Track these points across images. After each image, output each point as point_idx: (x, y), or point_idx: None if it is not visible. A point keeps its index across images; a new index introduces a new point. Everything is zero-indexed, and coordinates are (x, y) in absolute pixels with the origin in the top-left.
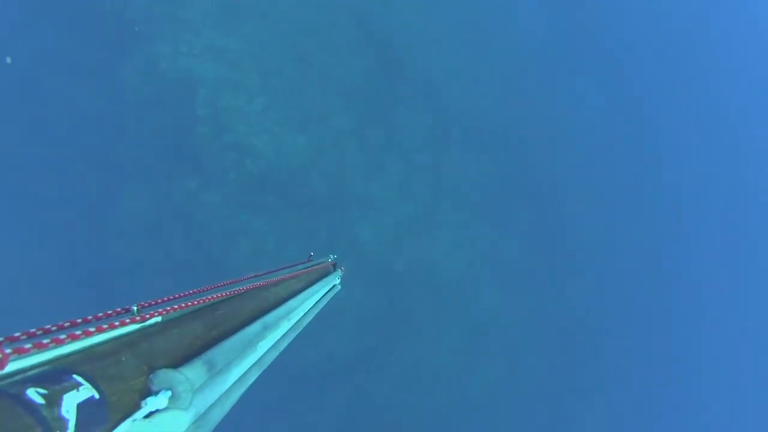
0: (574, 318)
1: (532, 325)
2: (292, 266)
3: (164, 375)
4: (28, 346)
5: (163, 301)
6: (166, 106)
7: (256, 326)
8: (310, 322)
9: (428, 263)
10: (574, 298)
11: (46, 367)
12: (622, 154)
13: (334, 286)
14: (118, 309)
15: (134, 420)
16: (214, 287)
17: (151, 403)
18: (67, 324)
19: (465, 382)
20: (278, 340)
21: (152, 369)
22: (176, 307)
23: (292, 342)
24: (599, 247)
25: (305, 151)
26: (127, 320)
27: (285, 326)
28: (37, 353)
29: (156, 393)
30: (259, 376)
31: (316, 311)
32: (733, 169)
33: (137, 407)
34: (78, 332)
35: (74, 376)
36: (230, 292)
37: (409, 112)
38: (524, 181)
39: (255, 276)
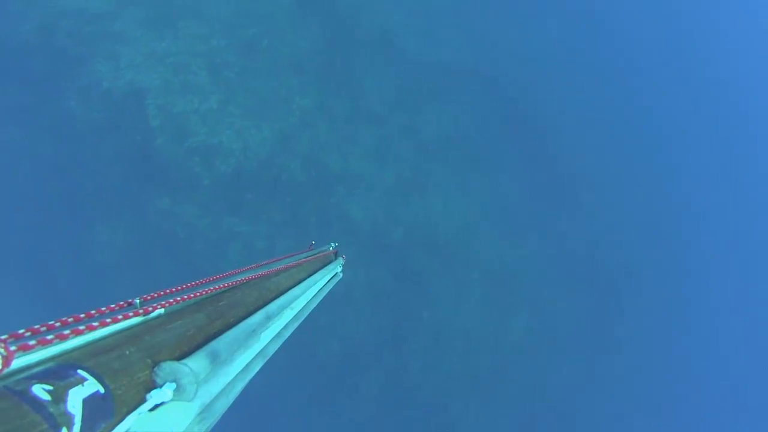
0: (586, 250)
1: (547, 266)
2: (293, 256)
3: (168, 367)
4: (32, 342)
5: (166, 294)
6: (120, 126)
7: (258, 316)
8: (312, 310)
9: (428, 225)
10: (580, 230)
11: (50, 364)
12: (598, 80)
13: (336, 274)
14: (121, 303)
15: (140, 413)
16: (217, 278)
17: (156, 396)
18: (70, 319)
19: (495, 337)
20: (281, 330)
21: (156, 362)
22: (179, 299)
23: (295, 331)
24: (595, 175)
25: (273, 138)
26: (130, 314)
27: (288, 315)
28: (41, 349)
29: (161, 386)
30: (263, 366)
31: (318, 300)
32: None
33: (142, 400)
34: (81, 327)
35: (79, 371)
36: (232, 282)
37: (371, 75)
38: (507, 122)
39: (257, 266)
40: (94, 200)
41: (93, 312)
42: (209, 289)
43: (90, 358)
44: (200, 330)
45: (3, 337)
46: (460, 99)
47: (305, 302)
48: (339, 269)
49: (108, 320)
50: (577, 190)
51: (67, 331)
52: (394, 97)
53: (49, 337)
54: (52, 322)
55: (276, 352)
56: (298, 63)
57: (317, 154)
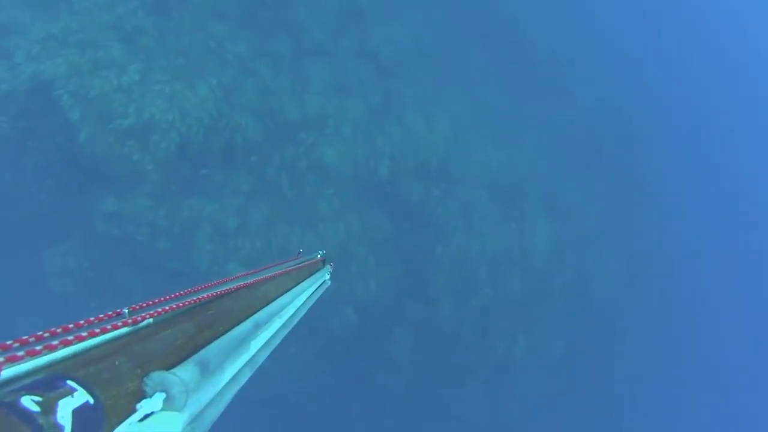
0: (587, 133)
1: (552, 162)
2: (281, 264)
3: (158, 377)
4: (20, 353)
5: (155, 303)
6: (34, 131)
7: (248, 325)
8: (301, 318)
9: (415, 151)
10: (576, 115)
11: (39, 375)
12: None
13: (324, 281)
14: (110, 312)
15: (130, 423)
16: (205, 287)
17: (145, 406)
18: (59, 330)
19: (522, 252)
20: (270, 338)
21: (146, 371)
22: (168, 308)
23: (285, 338)
24: (578, 57)
25: (214, 97)
26: (119, 323)
27: (277, 324)
28: (30, 360)
29: (150, 395)
30: (252, 375)
31: (307, 307)
32: None
33: (132, 411)
34: (70, 338)
35: (68, 381)
36: (221, 291)
37: (305, 4)
38: (470, 25)
39: (245, 275)
40: (31, 226)
41: (82, 322)
42: (198, 299)
43: (79, 369)
44: (189, 339)
45: None
46: (411, 11)
47: (294, 310)
48: (327, 276)
49: (97, 330)
50: (561, 75)
51: (56, 342)
52: (338, 23)
53: (38, 347)
54: (41, 333)
55: (265, 360)
56: (221, 9)
57: (269, 103)
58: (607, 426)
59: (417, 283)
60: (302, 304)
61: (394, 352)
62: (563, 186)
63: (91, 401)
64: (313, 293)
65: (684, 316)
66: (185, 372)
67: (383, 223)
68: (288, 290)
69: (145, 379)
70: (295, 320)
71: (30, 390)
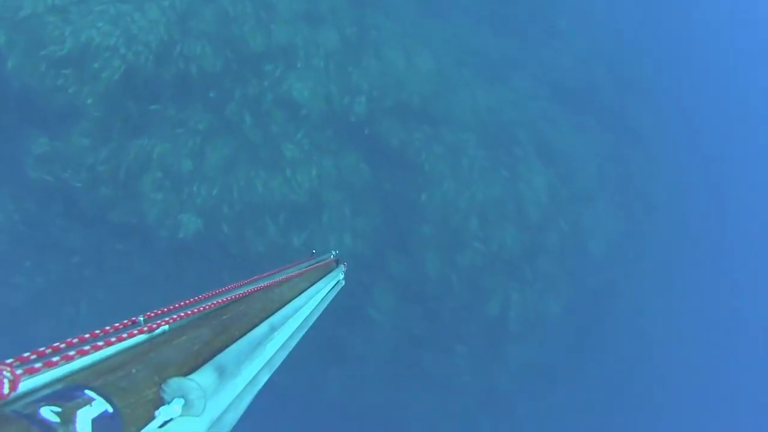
0: (584, 75)
1: (545, 103)
2: (295, 266)
3: (176, 383)
4: (38, 365)
5: (170, 310)
6: None
7: (263, 328)
8: (317, 319)
9: (394, 88)
10: (570, 55)
11: (57, 385)
12: None
13: (338, 281)
14: (125, 321)
15: (149, 431)
16: (219, 292)
17: (164, 413)
18: (75, 340)
19: (515, 200)
20: (287, 340)
21: (163, 378)
22: (183, 314)
23: (300, 340)
24: None
25: (166, 21)
26: (135, 331)
27: (292, 325)
28: (48, 372)
29: (169, 402)
30: (270, 377)
31: (322, 308)
32: None
33: (151, 418)
34: (87, 347)
35: (86, 391)
36: (235, 295)
37: None
38: None
39: (259, 277)
40: None
41: (98, 332)
42: (213, 303)
43: (97, 378)
44: (206, 344)
45: (9, 360)
46: None
47: (309, 311)
48: (341, 276)
49: (113, 339)
50: (555, 16)
51: (72, 352)
52: None
53: (55, 359)
54: (58, 344)
55: (282, 362)
56: None
57: (229, 30)
58: (606, 392)
59: (399, 235)
60: (317, 306)
61: (373, 314)
62: (557, 133)
63: (110, 410)
64: (327, 294)
65: (685, 274)
66: (203, 377)
67: (360, 168)
68: (302, 292)
69: (162, 386)
70: (311, 321)
71: (49, 401)
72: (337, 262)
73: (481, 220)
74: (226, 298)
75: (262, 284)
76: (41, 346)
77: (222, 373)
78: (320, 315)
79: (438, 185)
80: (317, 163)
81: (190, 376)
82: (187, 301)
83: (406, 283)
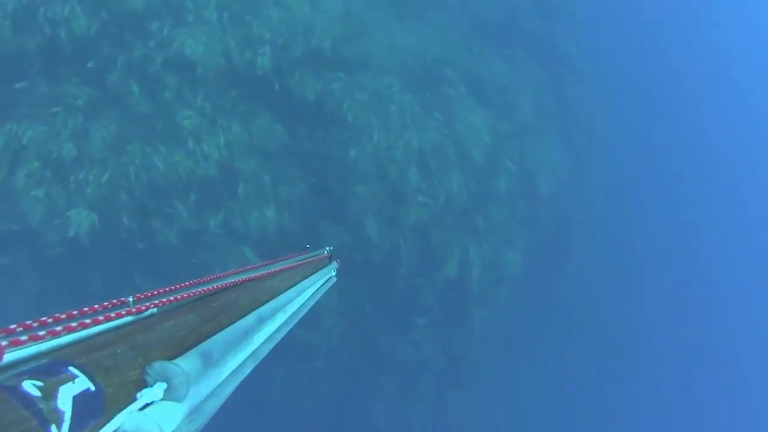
0: None
1: (474, 33)
2: (287, 259)
3: (160, 367)
4: (24, 338)
5: (159, 293)
6: None
7: (251, 318)
8: (306, 314)
9: (301, 35)
10: None
11: (41, 360)
12: None
13: (330, 278)
14: (114, 301)
15: (129, 412)
16: (211, 279)
17: (146, 395)
18: (63, 316)
19: (457, 146)
20: (274, 332)
21: (148, 361)
22: (172, 299)
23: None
24: None
25: None
26: (123, 312)
27: (280, 318)
28: (33, 345)
29: (151, 385)
30: (255, 368)
31: (312, 303)
32: None
33: (133, 399)
34: (74, 324)
35: (70, 368)
36: (226, 284)
37: None
38: None
39: (251, 268)
40: None
41: (86, 309)
42: (203, 290)
43: (81, 356)
44: (192, 330)
45: None
46: None
47: (298, 305)
48: (333, 273)
49: (101, 318)
50: None
51: (59, 328)
52: None
53: (42, 333)
54: (45, 319)
55: (268, 354)
56: None
57: None
58: (583, 347)
59: (330, 201)
60: (307, 300)
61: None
62: (488, 68)
63: (92, 388)
64: (318, 289)
65: (637, 202)
66: (187, 363)
67: (275, 129)
68: (293, 285)
69: (146, 368)
70: (299, 316)
71: (32, 375)
72: (330, 259)
73: (422, 171)
74: (217, 286)
75: (253, 275)
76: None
77: (207, 360)
78: (309, 310)
79: (367, 138)
80: (224, 128)
81: (175, 361)
82: (178, 286)
83: (348, 255)
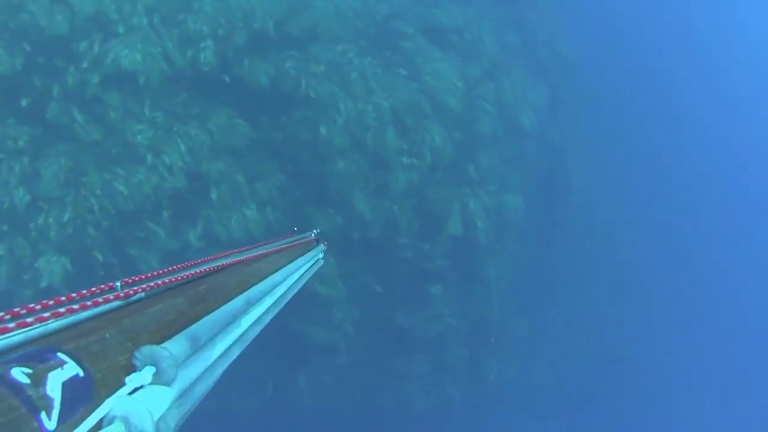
0: None
1: None
2: (274, 242)
3: (148, 351)
4: (11, 325)
5: (147, 278)
6: None
7: (239, 301)
8: (293, 296)
9: (240, 21)
10: None
11: (30, 347)
12: None
13: (317, 260)
14: (102, 286)
15: (119, 396)
16: (198, 263)
17: (135, 380)
18: (50, 302)
19: (426, 100)
20: (262, 315)
21: (136, 345)
22: (160, 283)
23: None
24: None
25: None
26: (111, 297)
27: (268, 301)
28: (21, 332)
29: (140, 369)
30: (242, 352)
31: (299, 286)
32: None
33: (122, 384)
34: (62, 310)
35: (58, 354)
36: (214, 267)
37: None
38: None
39: (238, 251)
40: None
41: (74, 295)
42: (190, 274)
43: (70, 342)
44: (180, 314)
45: None
46: None
47: (286, 288)
48: (320, 255)
49: (88, 303)
50: None
51: (47, 314)
52: None
53: (29, 320)
54: (32, 305)
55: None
56: None
57: (16, 19)
58: (601, 282)
59: (312, 185)
60: (294, 283)
61: (321, 290)
62: (442, 13)
63: (81, 374)
64: (305, 272)
65: (623, 127)
66: (175, 346)
67: (236, 125)
68: (281, 268)
69: (135, 352)
70: (287, 298)
71: (20, 362)
72: (318, 241)
73: (400, 131)
74: (204, 270)
75: (240, 258)
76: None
77: (195, 343)
78: (297, 292)
79: (334, 110)
80: (181, 135)
81: (163, 345)
82: (166, 270)
83: (343, 237)
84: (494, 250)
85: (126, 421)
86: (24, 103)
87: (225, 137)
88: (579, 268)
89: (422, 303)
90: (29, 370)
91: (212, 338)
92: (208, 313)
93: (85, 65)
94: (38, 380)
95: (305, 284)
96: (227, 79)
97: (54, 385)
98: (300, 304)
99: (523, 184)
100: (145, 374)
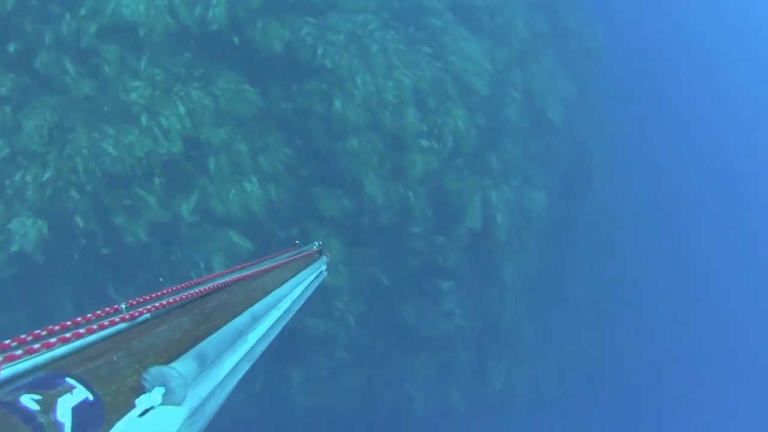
0: None
1: None
2: (277, 256)
3: (156, 372)
4: (18, 352)
5: (152, 298)
6: None
7: (245, 317)
8: (299, 309)
9: None
10: None
11: (38, 373)
12: None
13: (321, 272)
14: (107, 309)
15: (130, 419)
16: (202, 281)
17: (145, 401)
18: (57, 328)
19: (449, 80)
20: (268, 330)
21: (144, 366)
22: (165, 303)
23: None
24: None
25: None
26: (117, 319)
27: (274, 315)
28: (28, 359)
29: (149, 390)
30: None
31: (304, 298)
32: None
33: (132, 406)
34: (68, 335)
35: (67, 379)
36: (218, 284)
37: None
38: None
39: (242, 267)
40: None
41: (79, 319)
42: (195, 292)
43: (78, 366)
44: (187, 333)
45: None
46: None
47: (291, 301)
48: (323, 267)
49: (95, 327)
50: None
51: (54, 340)
52: None
53: (36, 346)
54: (39, 331)
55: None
56: None
57: None
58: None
59: (321, 163)
60: (299, 295)
61: (324, 280)
62: None
63: (91, 398)
64: (310, 284)
65: (649, 117)
66: (184, 366)
67: (244, 90)
68: (285, 282)
69: (143, 374)
70: (293, 311)
71: (29, 389)
72: (320, 253)
73: (421, 111)
74: (209, 287)
75: (244, 274)
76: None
77: (203, 361)
78: (302, 305)
79: (351, 84)
80: (182, 97)
81: (171, 365)
82: (170, 290)
83: (351, 222)
84: (513, 248)
85: None
86: (12, 48)
87: (230, 103)
88: (594, 273)
89: (432, 299)
90: (38, 397)
91: (220, 355)
92: (215, 330)
93: (82, 12)
94: (48, 406)
95: (310, 296)
96: (237, 41)
97: (64, 410)
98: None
99: (546, 179)
100: (155, 395)
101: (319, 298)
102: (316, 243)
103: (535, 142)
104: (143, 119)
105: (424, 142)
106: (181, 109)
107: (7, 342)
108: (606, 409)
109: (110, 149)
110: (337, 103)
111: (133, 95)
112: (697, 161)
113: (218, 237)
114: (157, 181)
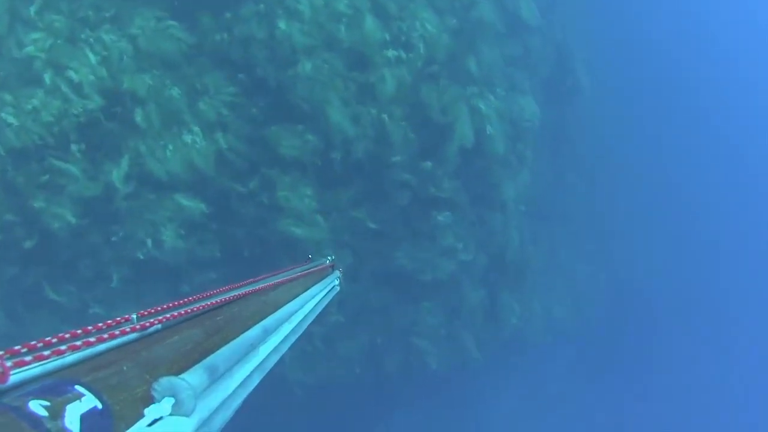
0: None
1: None
2: (290, 270)
3: (166, 382)
4: (28, 358)
5: (163, 309)
6: None
7: (256, 330)
8: (311, 323)
9: None
10: None
11: (47, 380)
12: None
13: (333, 287)
14: (118, 318)
15: (138, 428)
16: (214, 293)
17: (154, 411)
18: (67, 335)
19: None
20: (280, 343)
21: (154, 377)
22: (176, 314)
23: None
24: None
25: None
26: (128, 329)
27: (286, 329)
28: (39, 365)
29: (159, 401)
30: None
31: (316, 313)
32: None
33: (140, 416)
34: (79, 343)
35: (76, 387)
36: (230, 297)
37: None
38: None
39: (254, 281)
40: None
41: (90, 328)
42: (207, 304)
43: (87, 374)
44: (198, 345)
45: (0, 352)
46: None
47: (303, 316)
48: (336, 282)
49: (105, 336)
50: None
51: (64, 347)
52: None
53: (46, 353)
54: (50, 338)
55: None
56: None
57: None
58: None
59: (273, 96)
60: (311, 310)
61: (293, 234)
62: None
63: (99, 406)
64: (322, 299)
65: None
66: (194, 377)
67: (167, 27)
68: (297, 296)
69: (153, 384)
70: (305, 326)
71: (38, 395)
72: (333, 268)
73: (381, 18)
74: (221, 300)
75: (256, 287)
76: (32, 340)
77: (213, 373)
78: (314, 320)
79: None
80: (91, 44)
81: (181, 376)
82: (182, 301)
83: (320, 161)
84: (510, 165)
85: None
86: None
87: (152, 43)
88: (591, 186)
89: (428, 238)
90: (47, 403)
91: (230, 368)
92: (226, 343)
93: None
94: (56, 413)
95: (322, 311)
96: None
97: (72, 417)
98: (276, 251)
99: (532, 84)
100: (164, 405)
101: (297, 255)
102: (330, 257)
103: (513, 46)
104: (47, 77)
105: (391, 53)
106: (92, 58)
107: (17, 348)
108: (624, 332)
109: (10, 119)
110: (281, 24)
111: (31, 49)
112: (686, 49)
113: (163, 204)
114: (75, 148)
